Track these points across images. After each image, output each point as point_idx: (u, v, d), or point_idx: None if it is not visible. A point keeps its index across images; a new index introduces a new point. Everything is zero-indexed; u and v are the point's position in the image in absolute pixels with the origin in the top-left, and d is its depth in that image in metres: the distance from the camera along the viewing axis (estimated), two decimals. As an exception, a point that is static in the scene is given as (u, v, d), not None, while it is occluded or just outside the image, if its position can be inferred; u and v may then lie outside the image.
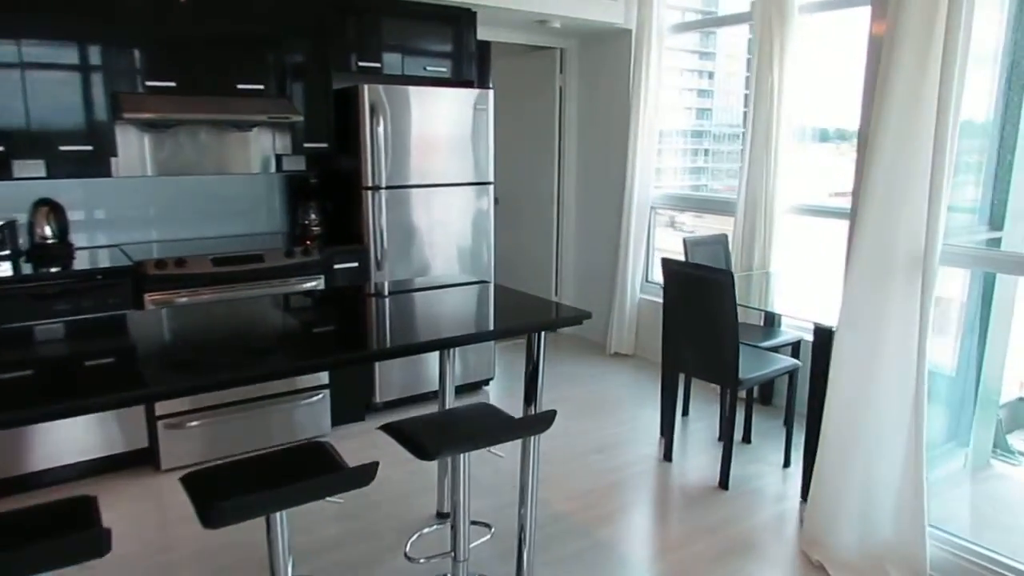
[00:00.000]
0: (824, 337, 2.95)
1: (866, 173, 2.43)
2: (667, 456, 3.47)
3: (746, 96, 4.09)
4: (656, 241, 5.12)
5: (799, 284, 3.77)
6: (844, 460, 2.58)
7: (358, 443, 3.58)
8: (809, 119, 4.14)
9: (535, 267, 5.74)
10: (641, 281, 5.05)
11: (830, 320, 2.95)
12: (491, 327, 2.19)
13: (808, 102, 4.02)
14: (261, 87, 3.57)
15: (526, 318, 2.29)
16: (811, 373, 3.00)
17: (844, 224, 3.96)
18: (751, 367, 3.18)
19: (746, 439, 3.68)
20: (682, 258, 3.90)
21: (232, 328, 2.16)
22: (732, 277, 2.98)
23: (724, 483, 3.19)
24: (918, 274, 2.39)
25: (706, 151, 5.15)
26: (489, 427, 2.05)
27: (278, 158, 3.97)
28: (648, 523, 2.92)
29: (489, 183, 4.16)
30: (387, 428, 2.09)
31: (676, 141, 5.26)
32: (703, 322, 3.18)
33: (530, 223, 5.74)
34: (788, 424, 3.43)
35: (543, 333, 2.31)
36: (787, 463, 3.41)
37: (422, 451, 1.94)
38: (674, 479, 3.28)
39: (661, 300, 4.96)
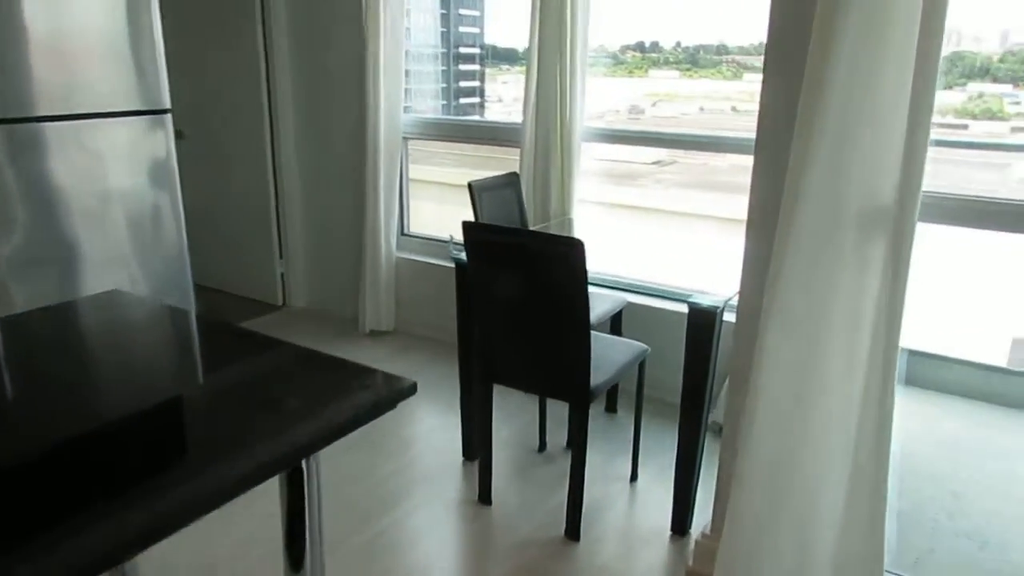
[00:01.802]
0: (704, 319, 2.12)
1: (814, 97, 1.53)
2: (485, 498, 2.47)
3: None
4: (409, 180, 3.97)
5: (616, 233, 2.94)
6: (776, 493, 1.79)
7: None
8: (620, 30, 3.23)
9: (246, 228, 4.22)
10: (397, 235, 3.89)
11: (707, 289, 2.13)
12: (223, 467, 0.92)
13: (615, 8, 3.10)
14: None
15: (289, 419, 1.06)
16: (688, 364, 2.17)
17: (677, 154, 3.22)
18: (595, 366, 2.25)
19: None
20: (467, 211, 2.82)
21: None
22: (582, 248, 1.98)
23: (573, 532, 2.29)
24: (884, 233, 1.59)
25: (462, 68, 4.04)
26: None
27: None
28: (493, 636, 1.92)
29: (164, 111, 2.64)
30: None
31: (429, 60, 4.07)
32: (534, 314, 2.16)
33: (232, 166, 4.18)
34: (636, 426, 2.61)
35: (316, 457, 1.09)
36: (635, 476, 2.62)
37: None
38: (504, 537, 2.30)
39: (423, 260, 3.91)
